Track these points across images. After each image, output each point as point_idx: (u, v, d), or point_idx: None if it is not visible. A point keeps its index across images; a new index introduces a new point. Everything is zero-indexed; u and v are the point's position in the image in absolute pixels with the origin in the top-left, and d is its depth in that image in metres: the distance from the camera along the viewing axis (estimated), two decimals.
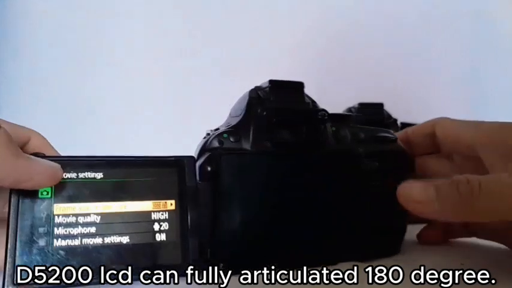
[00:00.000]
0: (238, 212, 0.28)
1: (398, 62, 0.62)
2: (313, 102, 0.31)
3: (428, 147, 0.35)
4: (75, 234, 0.24)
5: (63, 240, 0.24)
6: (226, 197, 0.28)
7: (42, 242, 0.24)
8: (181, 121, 0.58)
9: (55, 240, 0.24)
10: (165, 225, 0.26)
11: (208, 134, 0.30)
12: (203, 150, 0.29)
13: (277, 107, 0.29)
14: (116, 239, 0.25)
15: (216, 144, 0.28)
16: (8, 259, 0.23)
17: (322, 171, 0.30)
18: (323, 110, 0.30)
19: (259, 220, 0.29)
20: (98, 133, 0.57)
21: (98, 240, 0.25)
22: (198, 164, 0.28)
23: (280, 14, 0.60)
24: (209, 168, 0.27)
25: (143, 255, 0.25)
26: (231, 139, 0.29)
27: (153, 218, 0.26)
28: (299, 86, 0.31)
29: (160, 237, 0.26)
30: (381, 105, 0.51)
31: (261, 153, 0.29)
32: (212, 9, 0.59)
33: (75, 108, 0.57)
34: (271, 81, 0.30)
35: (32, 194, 0.24)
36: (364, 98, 0.51)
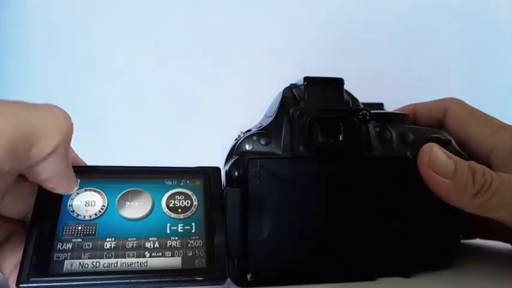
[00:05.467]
0: (268, 222, 0.26)
1: (398, 61, 0.61)
2: (354, 100, 0.28)
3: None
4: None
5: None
6: (254, 205, 0.26)
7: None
8: (185, 126, 0.58)
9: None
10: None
11: (239, 136, 0.28)
12: (231, 153, 0.27)
13: (311, 107, 0.27)
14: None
15: (245, 147, 0.27)
16: None
17: (364, 178, 0.27)
18: (365, 108, 0.27)
19: (290, 231, 0.26)
20: (98, 137, 0.57)
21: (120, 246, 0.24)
22: (225, 168, 0.27)
23: (279, 14, 0.60)
24: (236, 173, 0.26)
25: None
26: (262, 142, 0.27)
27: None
28: (337, 82, 0.28)
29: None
30: (380, 105, 0.51)
31: (293, 158, 0.26)
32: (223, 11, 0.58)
33: (77, 111, 0.56)
34: (306, 78, 0.27)
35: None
36: (364, 97, 0.50)
